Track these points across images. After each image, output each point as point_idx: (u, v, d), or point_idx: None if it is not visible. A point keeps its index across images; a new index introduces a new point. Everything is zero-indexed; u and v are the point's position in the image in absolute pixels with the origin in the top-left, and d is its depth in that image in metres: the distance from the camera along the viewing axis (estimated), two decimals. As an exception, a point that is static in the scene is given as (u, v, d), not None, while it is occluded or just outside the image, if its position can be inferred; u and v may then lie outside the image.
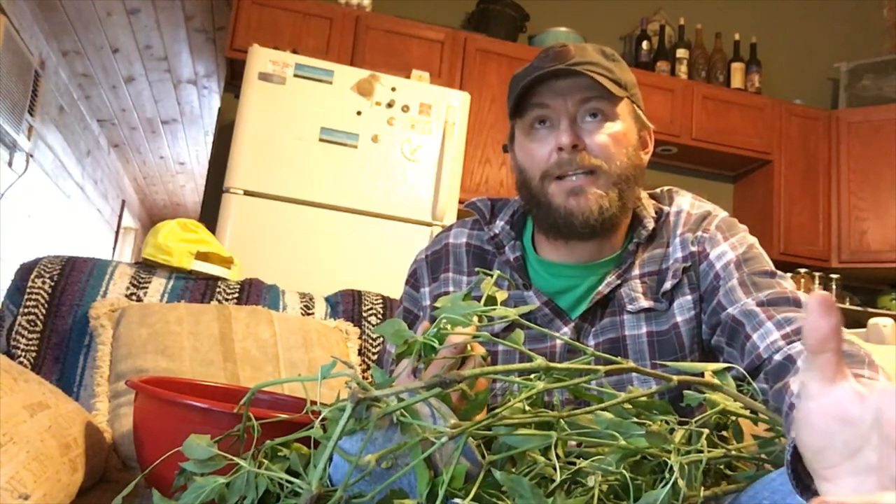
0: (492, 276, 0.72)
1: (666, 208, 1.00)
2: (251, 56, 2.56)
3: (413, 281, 1.07)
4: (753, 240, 0.95)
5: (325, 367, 0.60)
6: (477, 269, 1.01)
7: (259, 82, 2.51)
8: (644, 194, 1.01)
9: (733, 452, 0.66)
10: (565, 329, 0.95)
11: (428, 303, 1.03)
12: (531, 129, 0.95)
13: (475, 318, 0.66)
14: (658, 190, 1.05)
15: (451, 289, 1.01)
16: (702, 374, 0.70)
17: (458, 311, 0.63)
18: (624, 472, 0.58)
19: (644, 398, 0.66)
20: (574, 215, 0.91)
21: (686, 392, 0.68)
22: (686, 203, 1.01)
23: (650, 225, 0.97)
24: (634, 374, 0.90)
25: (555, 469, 0.58)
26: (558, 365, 0.61)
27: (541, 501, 0.54)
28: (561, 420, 0.62)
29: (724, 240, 0.94)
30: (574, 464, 0.61)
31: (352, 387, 0.57)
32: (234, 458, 0.62)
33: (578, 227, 0.91)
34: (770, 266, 0.92)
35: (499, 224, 1.02)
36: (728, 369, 0.73)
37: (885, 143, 3.43)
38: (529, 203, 0.97)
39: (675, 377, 0.65)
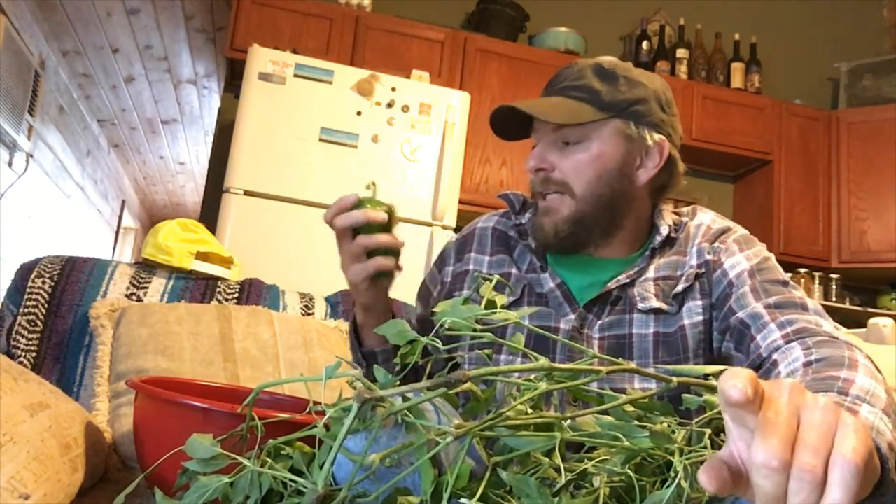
0: (490, 280, 0.73)
1: (685, 219, 1.04)
2: (251, 56, 2.56)
3: (440, 262, 1.15)
4: (770, 255, 0.98)
5: (329, 367, 0.60)
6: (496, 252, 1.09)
7: (259, 82, 2.51)
8: (668, 208, 1.06)
9: None
10: (571, 316, 0.98)
11: (449, 280, 1.10)
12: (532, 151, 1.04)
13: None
14: (684, 209, 1.09)
15: (471, 267, 1.08)
16: (701, 377, 0.70)
17: (459, 315, 0.63)
18: (629, 472, 0.58)
19: (645, 400, 0.65)
20: (537, 231, 1.01)
21: (685, 396, 0.68)
22: (708, 218, 1.05)
23: (664, 231, 1.00)
24: (638, 381, 0.92)
25: (559, 471, 0.58)
26: (560, 366, 0.61)
27: (547, 501, 0.54)
28: (563, 421, 0.62)
29: (739, 251, 0.97)
30: (579, 464, 0.61)
31: (357, 386, 0.57)
32: (238, 458, 0.62)
33: (543, 241, 1.01)
34: (783, 276, 0.94)
35: (526, 216, 1.08)
36: None
37: (885, 143, 3.43)
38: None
39: (674, 378, 0.65)
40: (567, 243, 0.99)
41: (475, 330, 0.64)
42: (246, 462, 0.60)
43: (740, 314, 0.89)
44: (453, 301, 0.67)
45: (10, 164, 3.53)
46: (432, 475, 0.56)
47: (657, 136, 0.98)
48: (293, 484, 0.59)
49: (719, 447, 0.67)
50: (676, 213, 1.07)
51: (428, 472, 0.56)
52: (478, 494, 0.55)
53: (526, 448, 0.59)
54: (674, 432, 0.64)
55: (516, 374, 0.67)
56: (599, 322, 0.97)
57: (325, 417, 0.59)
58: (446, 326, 0.65)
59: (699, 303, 0.95)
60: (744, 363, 0.88)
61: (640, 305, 0.96)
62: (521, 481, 0.55)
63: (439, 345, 0.63)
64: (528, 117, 1.01)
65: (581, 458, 0.64)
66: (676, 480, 0.56)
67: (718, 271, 0.96)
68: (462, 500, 0.55)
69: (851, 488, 0.41)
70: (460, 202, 2.69)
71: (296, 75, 2.54)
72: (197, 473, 0.62)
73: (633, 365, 0.64)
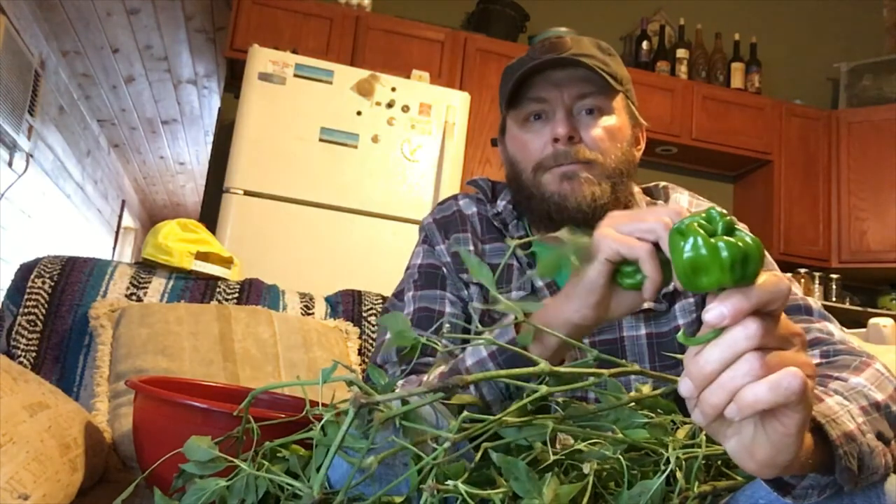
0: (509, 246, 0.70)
1: (660, 203, 0.99)
2: (251, 56, 2.56)
3: (427, 241, 1.02)
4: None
5: (325, 370, 0.60)
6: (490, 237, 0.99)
7: (259, 82, 2.51)
8: (637, 189, 1.00)
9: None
10: None
11: (448, 259, 0.98)
12: (525, 122, 0.94)
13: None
14: (653, 184, 1.03)
15: (470, 247, 0.97)
16: None
17: (484, 273, 0.62)
18: (620, 458, 0.58)
19: (650, 399, 0.66)
20: (567, 199, 0.89)
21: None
22: (684, 201, 0.99)
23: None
24: (634, 377, 0.91)
25: (548, 453, 0.58)
26: (562, 369, 0.61)
27: (534, 484, 0.54)
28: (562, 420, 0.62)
29: None
30: (573, 453, 0.61)
31: (353, 390, 0.57)
32: (235, 461, 0.62)
33: (571, 211, 0.88)
34: (776, 268, 0.91)
35: (500, 204, 1.00)
36: None
37: (885, 143, 3.43)
38: (520, 195, 0.95)
39: (677, 378, 0.65)
40: (599, 214, 0.86)
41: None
42: (242, 465, 0.60)
43: None
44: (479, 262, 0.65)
45: (10, 164, 3.53)
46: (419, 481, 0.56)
47: (641, 120, 0.97)
48: (290, 487, 0.59)
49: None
50: (648, 195, 1.01)
51: (415, 478, 0.56)
52: (464, 476, 0.55)
53: (518, 436, 0.59)
54: (676, 427, 0.64)
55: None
56: None
57: (322, 421, 0.59)
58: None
59: (691, 300, 0.91)
60: None
61: None
62: (511, 463, 0.55)
63: (439, 347, 0.63)
64: (520, 87, 0.91)
65: (571, 446, 0.63)
66: (667, 470, 0.56)
67: None
68: (448, 481, 0.54)
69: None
70: (460, 202, 2.69)
71: (296, 75, 2.54)
72: (194, 476, 0.63)
73: (636, 368, 0.63)
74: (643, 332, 0.91)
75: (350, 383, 0.59)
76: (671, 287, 0.91)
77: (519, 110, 0.94)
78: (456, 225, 0.99)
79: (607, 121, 0.91)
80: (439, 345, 0.66)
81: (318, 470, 0.56)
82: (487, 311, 0.92)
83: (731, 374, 0.44)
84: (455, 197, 1.04)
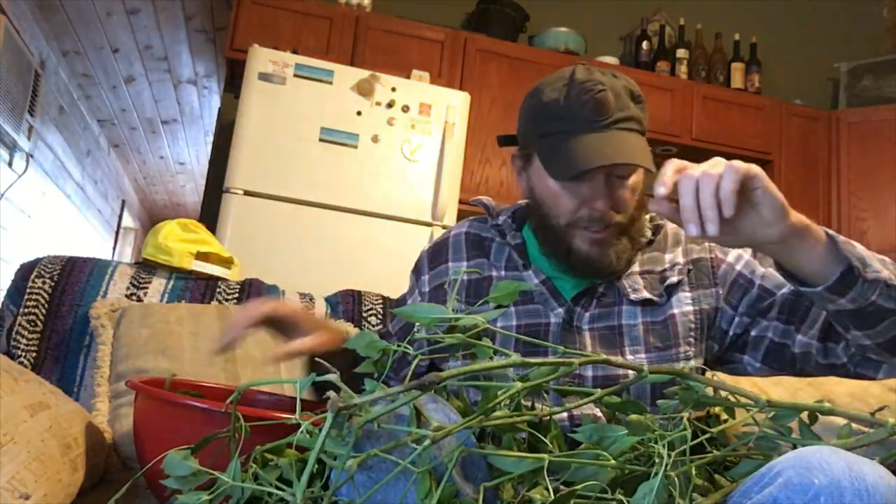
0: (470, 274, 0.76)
1: (662, 222, 1.08)
2: (251, 56, 2.56)
3: (415, 271, 1.15)
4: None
5: (302, 381, 0.60)
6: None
7: (259, 82, 2.51)
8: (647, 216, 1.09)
9: (718, 452, 0.68)
10: (559, 310, 1.01)
11: (427, 289, 1.10)
12: None
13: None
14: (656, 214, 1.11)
15: (450, 276, 1.07)
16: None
17: (422, 313, 0.64)
18: (621, 497, 0.58)
19: (617, 399, 0.68)
20: (593, 263, 0.97)
21: (660, 402, 0.70)
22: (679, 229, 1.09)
23: (648, 234, 1.05)
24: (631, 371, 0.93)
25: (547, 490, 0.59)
26: (533, 360, 0.63)
27: None
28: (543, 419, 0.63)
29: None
30: (566, 485, 0.61)
31: (331, 395, 0.57)
32: (216, 473, 0.61)
33: (596, 273, 0.99)
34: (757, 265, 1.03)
35: (501, 218, 1.10)
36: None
37: (885, 143, 3.43)
38: (543, 231, 1.01)
39: (645, 367, 0.68)
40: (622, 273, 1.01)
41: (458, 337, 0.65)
42: (223, 477, 0.60)
43: (785, 291, 0.97)
44: (414, 304, 0.69)
45: (10, 164, 3.53)
46: (428, 485, 0.56)
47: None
48: (278, 492, 0.59)
49: (703, 448, 0.68)
50: (650, 218, 1.11)
51: (425, 483, 0.56)
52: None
53: (516, 471, 0.59)
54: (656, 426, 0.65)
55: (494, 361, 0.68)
56: (588, 314, 1.00)
57: (302, 428, 0.59)
58: (419, 331, 0.66)
59: (688, 294, 1.01)
60: (795, 334, 0.95)
61: (632, 297, 1.00)
62: None
63: (411, 350, 0.64)
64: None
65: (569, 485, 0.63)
66: (665, 466, 0.56)
67: (723, 265, 1.03)
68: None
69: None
70: (460, 202, 2.69)
71: (296, 75, 2.54)
72: (176, 492, 0.62)
73: (602, 357, 0.67)
74: (640, 320, 1.00)
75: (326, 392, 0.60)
76: (674, 279, 1.01)
77: (559, 166, 0.93)
78: (441, 254, 1.11)
79: (633, 179, 0.98)
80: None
81: (308, 475, 0.56)
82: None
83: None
84: (455, 224, 1.16)
